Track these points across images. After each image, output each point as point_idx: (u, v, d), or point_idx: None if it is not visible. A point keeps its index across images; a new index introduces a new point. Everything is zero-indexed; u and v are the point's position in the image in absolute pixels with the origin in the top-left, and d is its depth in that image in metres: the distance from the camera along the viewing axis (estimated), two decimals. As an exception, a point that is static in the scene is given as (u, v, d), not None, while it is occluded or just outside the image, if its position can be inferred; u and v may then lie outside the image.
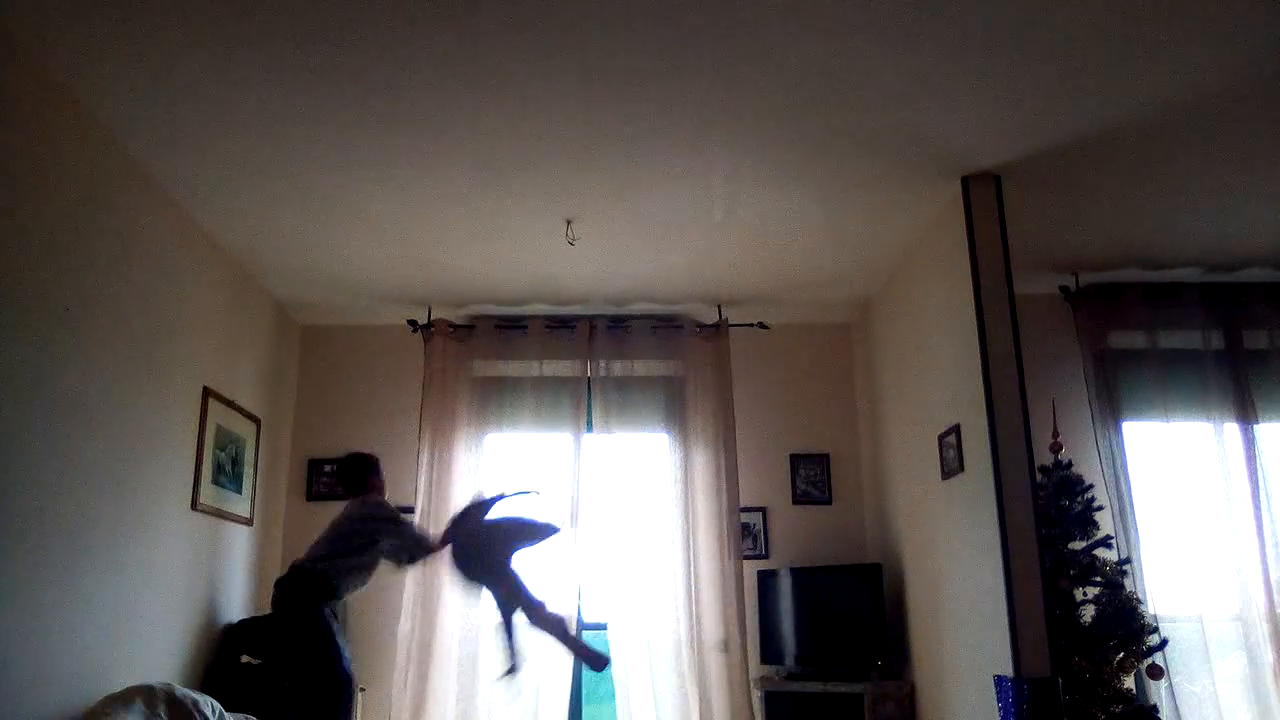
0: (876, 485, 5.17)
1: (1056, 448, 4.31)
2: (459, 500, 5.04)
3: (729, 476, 5.10)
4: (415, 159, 3.66)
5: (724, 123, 3.43)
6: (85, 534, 3.29)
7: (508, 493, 4.33)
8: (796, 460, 5.40)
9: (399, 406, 5.28)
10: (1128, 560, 4.34)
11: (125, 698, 3.23)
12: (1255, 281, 4.90)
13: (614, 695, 4.87)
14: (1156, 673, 4.05)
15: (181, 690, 3.45)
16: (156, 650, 3.81)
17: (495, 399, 5.30)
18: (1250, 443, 4.73)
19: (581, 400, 5.24)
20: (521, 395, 5.28)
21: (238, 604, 4.62)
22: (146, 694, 3.29)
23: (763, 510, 5.32)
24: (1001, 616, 3.51)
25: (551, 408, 5.24)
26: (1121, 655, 3.92)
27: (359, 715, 4.79)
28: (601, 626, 5.04)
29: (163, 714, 3.27)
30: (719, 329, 5.31)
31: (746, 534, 5.23)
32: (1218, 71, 3.14)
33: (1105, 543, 4.18)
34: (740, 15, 2.82)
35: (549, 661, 4.84)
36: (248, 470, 4.70)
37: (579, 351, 5.30)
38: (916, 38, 2.94)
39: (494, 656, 4.61)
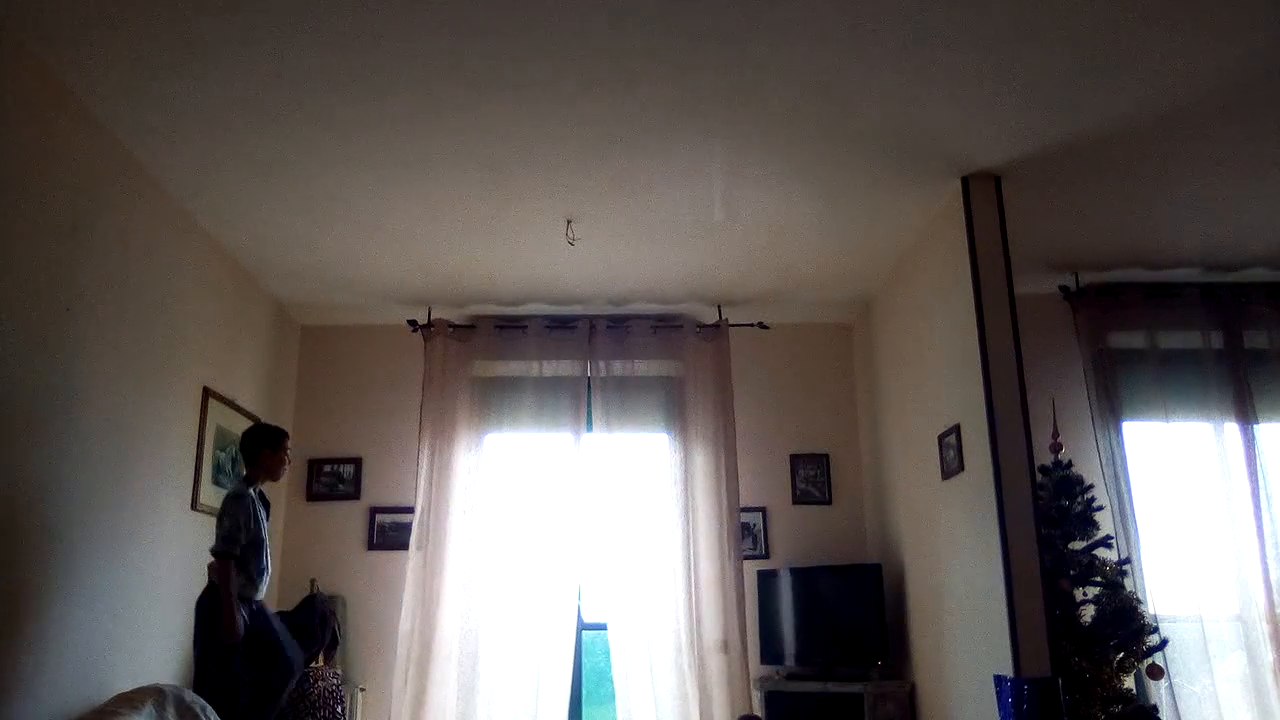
0: (876, 485, 5.17)
1: (1056, 448, 4.31)
2: (460, 502, 5.06)
3: (729, 476, 5.10)
4: (415, 159, 3.66)
5: (724, 123, 3.43)
6: (85, 534, 3.29)
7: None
8: (796, 460, 5.40)
9: (399, 406, 5.29)
10: (1128, 560, 4.34)
11: (135, 697, 3.24)
12: (1255, 281, 4.90)
13: (614, 695, 4.87)
14: (1156, 673, 4.05)
15: (190, 693, 3.45)
16: (156, 650, 3.81)
17: (495, 399, 5.30)
18: (1250, 443, 4.73)
19: (581, 400, 5.24)
20: (521, 395, 5.28)
21: (238, 604, 4.62)
22: (155, 695, 3.29)
23: (763, 510, 5.32)
24: (1001, 616, 3.51)
25: (551, 408, 5.24)
26: (1121, 655, 3.91)
27: (359, 715, 4.80)
28: (601, 626, 5.04)
29: (170, 715, 3.28)
30: (719, 329, 5.31)
31: (746, 534, 5.23)
32: (1217, 72, 3.14)
33: (1105, 543, 4.18)
34: (740, 16, 2.82)
35: (549, 662, 4.86)
36: (248, 470, 4.69)
37: (579, 351, 5.30)
38: (916, 38, 2.94)
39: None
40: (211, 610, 3.64)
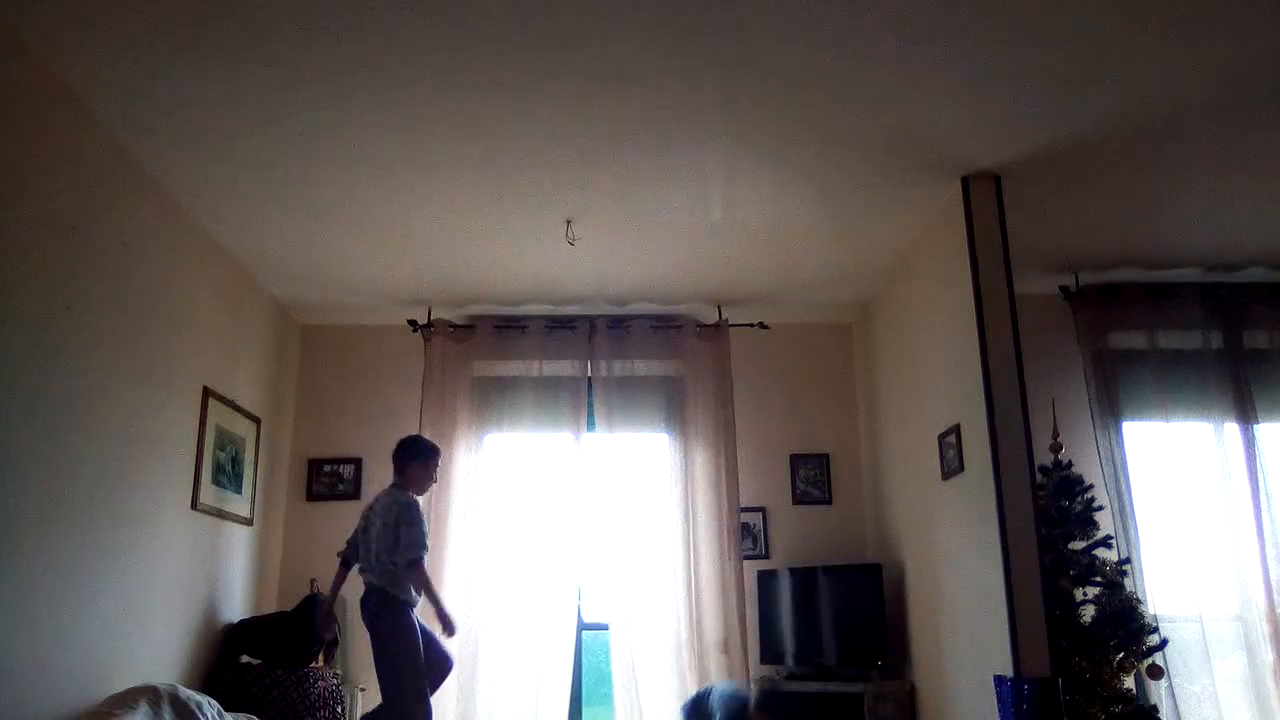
0: (876, 485, 5.17)
1: (1056, 448, 4.31)
2: (460, 503, 5.05)
3: (729, 476, 5.10)
4: (415, 159, 3.66)
5: (724, 123, 3.43)
6: (85, 534, 3.29)
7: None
8: (796, 460, 5.40)
9: (399, 406, 5.28)
10: (1128, 560, 4.34)
11: (130, 697, 3.23)
12: (1255, 281, 4.90)
13: (614, 695, 4.86)
14: (1156, 673, 4.05)
15: (185, 691, 3.45)
16: (156, 650, 3.80)
17: (495, 399, 5.30)
18: (1250, 443, 4.72)
19: (581, 400, 5.24)
20: (521, 395, 5.28)
21: (238, 604, 4.62)
22: (150, 694, 3.29)
23: (763, 510, 5.32)
24: (1001, 616, 3.51)
25: (551, 408, 5.24)
26: (1121, 655, 3.92)
27: (359, 715, 4.79)
28: (602, 626, 5.04)
29: (166, 714, 3.27)
30: (719, 329, 5.31)
31: (746, 534, 5.23)
32: (1217, 72, 3.14)
33: (1105, 543, 4.19)
34: (739, 15, 2.82)
35: (549, 662, 4.85)
36: (248, 470, 4.70)
37: (579, 351, 5.30)
38: (916, 38, 2.94)
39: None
40: (388, 611, 3.91)
